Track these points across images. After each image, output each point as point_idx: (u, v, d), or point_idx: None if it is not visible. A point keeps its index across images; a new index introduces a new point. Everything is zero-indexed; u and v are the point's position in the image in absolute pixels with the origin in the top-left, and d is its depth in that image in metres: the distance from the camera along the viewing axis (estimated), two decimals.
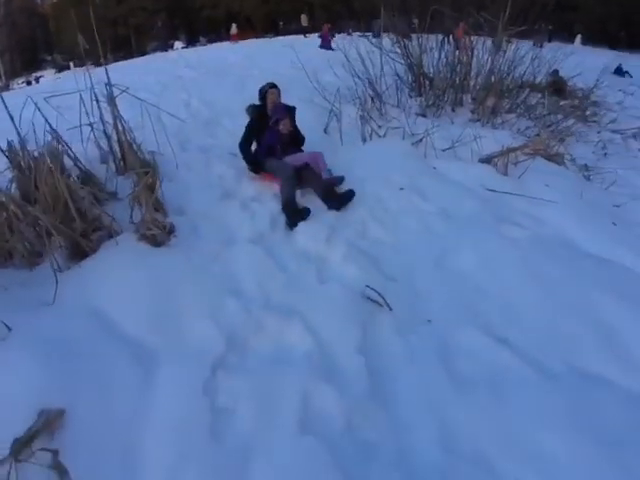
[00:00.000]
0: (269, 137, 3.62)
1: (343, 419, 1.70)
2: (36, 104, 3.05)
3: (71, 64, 33.05)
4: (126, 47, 35.58)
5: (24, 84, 25.55)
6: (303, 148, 3.82)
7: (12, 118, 2.84)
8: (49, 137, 3.06)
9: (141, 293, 2.22)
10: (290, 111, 3.76)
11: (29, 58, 42.62)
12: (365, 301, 2.32)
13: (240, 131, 4.96)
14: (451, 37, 6.94)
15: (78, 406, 1.65)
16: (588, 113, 7.43)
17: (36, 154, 2.83)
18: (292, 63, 7.07)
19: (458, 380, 1.88)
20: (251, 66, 10.40)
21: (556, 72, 7.90)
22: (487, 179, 3.63)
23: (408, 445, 1.63)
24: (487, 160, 4.06)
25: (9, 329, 1.89)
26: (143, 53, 31.67)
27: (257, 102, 3.92)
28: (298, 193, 3.38)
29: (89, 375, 1.78)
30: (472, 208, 3.11)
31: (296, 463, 1.51)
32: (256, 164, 3.67)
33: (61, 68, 39.25)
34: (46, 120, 3.07)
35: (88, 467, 1.52)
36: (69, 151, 3.16)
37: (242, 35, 25.36)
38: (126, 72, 9.12)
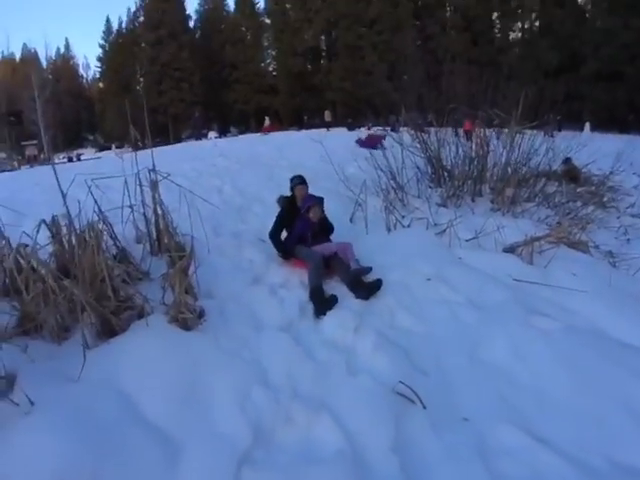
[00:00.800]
0: (300, 226, 3.81)
1: None
2: (89, 187, 3.25)
3: (113, 146, 36.02)
4: (163, 134, 38.75)
5: (65, 159, 27.56)
6: (332, 238, 3.98)
7: (64, 196, 2.89)
8: (91, 215, 3.16)
9: (168, 377, 2.25)
10: (319, 201, 3.93)
11: (72, 136, 46.63)
12: (397, 396, 2.27)
13: (269, 217, 5.26)
14: (462, 130, 7.47)
15: None
16: (606, 199, 7.58)
17: (79, 231, 2.94)
18: (320, 157, 7.56)
19: None
20: (279, 157, 11.17)
21: (568, 160, 8.19)
22: (513, 268, 3.67)
23: None
24: (511, 250, 4.15)
25: (32, 404, 1.93)
26: (178, 140, 34.46)
27: (286, 193, 4.23)
28: (326, 282, 3.48)
29: (111, 454, 1.78)
30: (500, 298, 3.12)
31: None
32: (287, 252, 3.83)
33: (101, 148, 42.68)
34: (95, 202, 3.28)
35: None
36: (111, 230, 3.37)
37: (271, 127, 27.62)
38: (163, 158, 9.85)
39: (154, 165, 3.70)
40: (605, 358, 2.58)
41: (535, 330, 2.74)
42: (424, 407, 2.21)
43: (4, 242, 2.96)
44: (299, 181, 4.10)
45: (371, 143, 10.22)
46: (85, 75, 58.95)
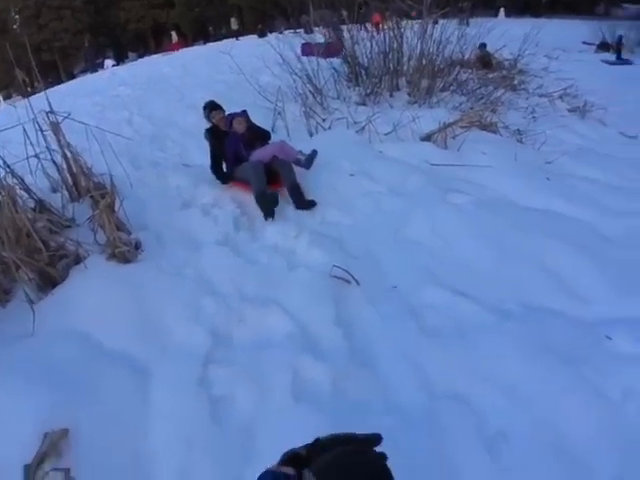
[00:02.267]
0: (230, 144, 3.60)
1: (331, 384, 1.87)
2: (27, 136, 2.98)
3: (0, 98, 31.31)
4: (53, 72, 34.07)
5: None
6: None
7: None
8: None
9: (120, 309, 2.28)
10: (242, 113, 3.75)
11: None
12: (334, 280, 2.49)
13: (188, 140, 5.03)
14: (371, 25, 7.23)
15: (81, 424, 1.71)
16: (516, 82, 7.93)
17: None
18: (230, 69, 7.11)
19: (427, 332, 2.10)
20: (187, 76, 10.34)
21: (483, 45, 8.29)
22: (429, 155, 3.90)
23: (394, 395, 1.83)
24: (427, 138, 4.33)
25: None
26: (72, 77, 30.51)
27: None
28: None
29: (86, 394, 1.84)
30: (418, 183, 3.36)
31: (295, 429, 1.62)
32: (227, 177, 3.69)
33: None
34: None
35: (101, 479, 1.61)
36: (22, 183, 3.12)
37: (179, 44, 24.92)
38: (60, 97, 8.84)
39: (51, 106, 3.32)
40: (512, 221, 2.92)
41: (450, 206, 3.01)
42: (358, 284, 2.46)
43: None
44: (212, 107, 3.83)
45: (330, 52, 7.05)
46: None
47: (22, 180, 3.13)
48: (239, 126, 3.60)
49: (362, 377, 1.91)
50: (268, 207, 3.20)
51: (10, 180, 2.91)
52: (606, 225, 3.06)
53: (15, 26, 37.54)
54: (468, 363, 1.91)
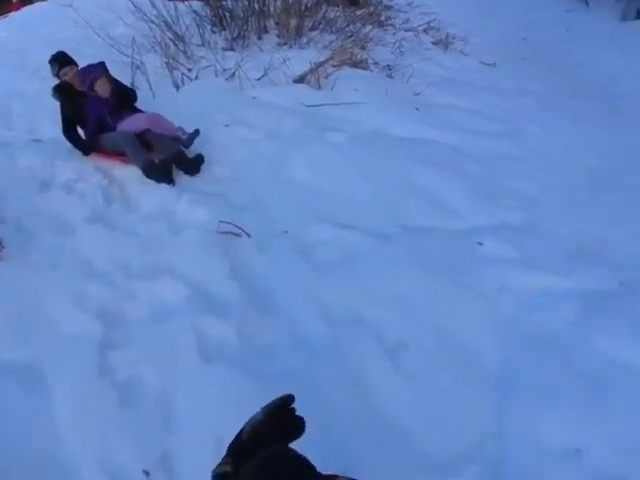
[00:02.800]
0: (91, 109, 3.16)
1: (237, 336, 1.88)
2: None
3: None
4: None
5: None
6: (137, 106, 3.40)
7: None
8: None
9: None
10: (101, 68, 3.28)
11: None
12: (222, 235, 2.44)
13: (37, 112, 4.37)
14: None
15: None
16: (383, 18, 8.04)
17: None
18: (75, 22, 6.20)
19: (320, 266, 2.21)
20: (27, 38, 8.85)
21: None
22: (304, 96, 3.87)
23: (297, 331, 1.91)
24: (300, 80, 4.27)
25: None
26: None
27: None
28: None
29: None
30: (295, 125, 3.35)
31: (210, 388, 1.64)
32: (89, 146, 3.26)
33: None
34: None
35: None
36: None
37: (20, 4, 21.00)
38: None
39: None
40: (386, 152, 3.07)
41: (327, 144, 3.05)
42: (249, 236, 2.45)
43: None
44: (62, 62, 3.29)
45: None
46: None
47: None
48: (102, 89, 3.14)
49: (264, 322, 1.95)
50: (166, 175, 2.92)
51: None
52: (468, 145, 3.38)
53: None
54: (359, 286, 2.05)
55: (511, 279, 2.14)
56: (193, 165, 3.06)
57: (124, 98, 3.28)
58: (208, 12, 6.00)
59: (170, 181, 2.93)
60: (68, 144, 3.32)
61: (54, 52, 3.41)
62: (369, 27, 6.73)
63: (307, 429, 0.74)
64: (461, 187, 2.81)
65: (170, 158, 3.01)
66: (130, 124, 3.15)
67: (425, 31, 7.57)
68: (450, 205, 2.65)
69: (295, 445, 0.68)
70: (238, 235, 2.44)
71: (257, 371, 1.72)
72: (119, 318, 2.05)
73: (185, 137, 3.19)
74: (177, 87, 4.21)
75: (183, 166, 3.05)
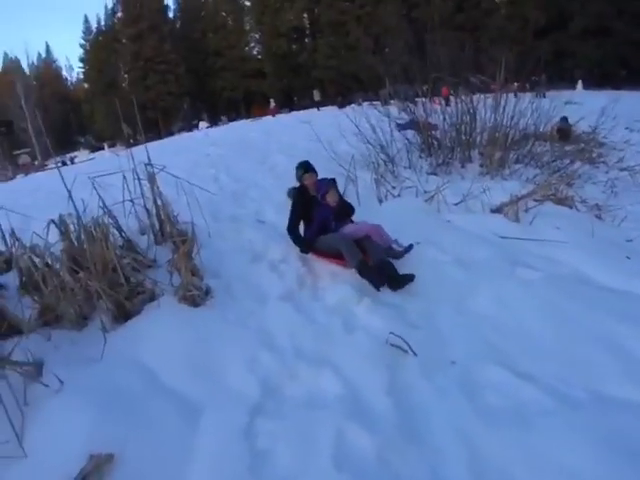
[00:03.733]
0: (320, 214, 3.59)
1: (376, 455, 1.84)
2: (93, 184, 3.39)
3: (105, 145, 35.94)
4: (154, 128, 38.62)
5: (59, 163, 27.31)
6: (353, 218, 3.83)
7: (70, 195, 3.09)
8: (96, 211, 3.33)
9: (182, 349, 2.48)
10: (333, 183, 3.74)
11: (63, 140, 45.81)
12: (390, 348, 2.49)
13: (265, 200, 5.41)
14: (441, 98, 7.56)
15: (127, 451, 1.86)
16: (595, 155, 7.70)
17: (89, 226, 3.14)
18: (309, 137, 7.68)
19: (484, 412, 2.00)
20: (271, 141, 11.25)
21: (565, 119, 8.24)
22: (499, 227, 3.86)
23: (441, 473, 1.76)
24: (498, 210, 4.32)
25: (61, 383, 2.16)
26: (170, 133, 34.42)
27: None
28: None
29: (137, 423, 2.00)
30: (486, 254, 3.32)
31: None
32: (308, 245, 3.62)
33: (94, 149, 42.18)
34: (100, 197, 3.43)
35: None
36: (116, 223, 3.55)
37: (262, 111, 27.85)
38: (157, 152, 9.99)
39: (149, 159, 3.85)
40: (584, 300, 2.78)
41: (518, 280, 2.95)
42: (415, 355, 2.42)
43: (17, 243, 3.17)
44: (305, 169, 3.85)
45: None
46: (69, 77, 58.41)
47: (116, 220, 3.58)
48: (332, 199, 3.62)
49: (409, 451, 1.86)
50: (379, 279, 3.11)
51: (106, 219, 3.35)
52: None
53: (124, 84, 43.30)
54: (523, 449, 1.79)
55: None
56: (401, 281, 3.11)
57: (345, 209, 3.75)
58: (418, 139, 6.78)
59: (381, 285, 3.08)
60: (284, 232, 3.92)
61: (287, 163, 4.27)
62: (578, 163, 6.55)
63: None
64: None
65: (381, 265, 3.21)
66: (352, 229, 3.53)
67: None
68: None
69: None
70: (405, 351, 2.45)
71: None
72: (277, 391, 2.27)
73: (400, 249, 3.43)
74: (380, 201, 4.76)
75: (390, 278, 3.15)
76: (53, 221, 3.21)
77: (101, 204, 3.41)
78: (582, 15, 30.58)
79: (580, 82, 23.05)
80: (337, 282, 3.29)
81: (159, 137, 28.25)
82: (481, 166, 6.12)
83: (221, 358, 2.45)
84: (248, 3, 47.11)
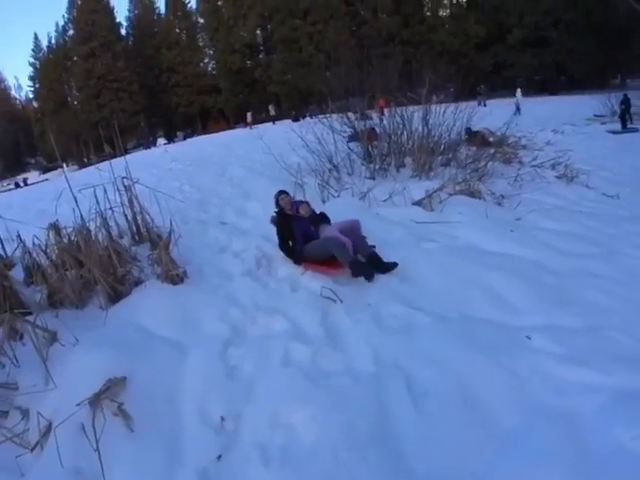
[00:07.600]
0: (298, 227, 4.05)
1: (311, 359, 2.74)
2: (95, 194, 4.08)
3: (64, 165, 35.20)
4: (109, 146, 38.05)
5: (11, 185, 26.17)
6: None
7: (76, 202, 3.86)
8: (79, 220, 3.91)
9: (169, 310, 3.28)
10: (304, 201, 4.40)
11: (12, 162, 44.93)
12: (323, 299, 3.40)
13: (225, 206, 6.22)
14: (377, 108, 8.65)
15: (135, 377, 2.62)
16: (511, 155, 8.85)
17: (88, 225, 3.86)
18: (263, 149, 8.52)
19: (385, 329, 2.96)
20: (228, 155, 12.06)
21: (469, 129, 9.00)
22: (416, 215, 4.89)
23: (353, 366, 2.68)
24: (418, 203, 5.34)
25: (77, 340, 2.90)
26: (126, 151, 34.10)
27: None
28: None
29: (141, 357, 2.77)
30: (401, 234, 4.34)
31: (283, 383, 2.52)
32: (299, 256, 4.01)
33: (45, 170, 40.93)
34: (97, 202, 4.10)
35: (145, 412, 2.45)
36: (105, 224, 4.21)
37: (216, 127, 28.54)
38: (120, 169, 10.55)
39: (128, 173, 4.51)
40: (468, 259, 3.78)
41: (422, 249, 3.97)
42: (341, 302, 3.35)
43: (21, 244, 3.87)
44: (280, 192, 4.40)
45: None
46: (18, 97, 56.62)
47: (106, 222, 4.22)
48: (304, 211, 4.19)
49: (333, 356, 2.77)
50: (369, 271, 3.59)
51: (99, 220, 4.08)
52: (554, 263, 3.76)
53: (76, 102, 42.56)
54: (409, 347, 2.74)
55: (547, 367, 2.44)
56: (387, 269, 3.67)
57: (319, 218, 4.28)
58: (360, 149, 7.76)
59: (372, 276, 3.58)
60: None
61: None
62: (496, 163, 7.69)
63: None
64: (530, 293, 3.22)
65: (370, 257, 3.77)
66: (334, 227, 4.08)
67: (552, 167, 8.06)
68: (512, 304, 3.11)
69: None
70: (334, 301, 3.35)
71: (315, 379, 2.56)
72: (242, 331, 3.14)
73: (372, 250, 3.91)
74: (324, 201, 5.68)
75: (378, 266, 3.70)
76: (52, 225, 3.92)
77: (95, 210, 4.09)
78: (520, 27, 33.03)
79: (519, 90, 23.82)
80: (287, 263, 4.15)
81: (114, 156, 28.05)
82: (413, 170, 7.12)
83: (199, 315, 3.28)
84: (202, 20, 47.71)
